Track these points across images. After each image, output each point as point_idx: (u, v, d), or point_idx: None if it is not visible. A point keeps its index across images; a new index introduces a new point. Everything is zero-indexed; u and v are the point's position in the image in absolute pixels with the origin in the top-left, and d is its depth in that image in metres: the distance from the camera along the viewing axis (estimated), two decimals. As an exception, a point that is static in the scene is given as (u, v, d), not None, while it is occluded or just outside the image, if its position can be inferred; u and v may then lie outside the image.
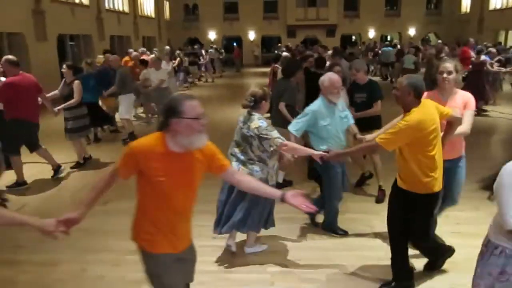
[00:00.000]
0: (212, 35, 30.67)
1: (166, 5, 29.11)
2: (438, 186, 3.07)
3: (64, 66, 6.73)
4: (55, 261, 3.97)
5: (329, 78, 4.09)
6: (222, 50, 24.90)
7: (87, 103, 7.41)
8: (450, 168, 3.57)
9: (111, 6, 19.40)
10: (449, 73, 3.43)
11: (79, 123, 6.67)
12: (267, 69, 20.71)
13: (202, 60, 18.79)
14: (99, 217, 4.91)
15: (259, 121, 3.62)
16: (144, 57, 11.41)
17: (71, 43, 16.06)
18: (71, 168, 6.73)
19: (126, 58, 11.66)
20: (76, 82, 6.49)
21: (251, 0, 29.56)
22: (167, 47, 16.78)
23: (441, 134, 3.22)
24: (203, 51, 19.80)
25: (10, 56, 5.74)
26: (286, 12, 29.76)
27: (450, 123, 3.24)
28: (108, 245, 4.25)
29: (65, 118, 6.66)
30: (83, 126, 6.75)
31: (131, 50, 13.52)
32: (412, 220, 3.17)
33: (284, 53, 10.60)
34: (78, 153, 6.85)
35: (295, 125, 4.12)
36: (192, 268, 2.54)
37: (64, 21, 14.68)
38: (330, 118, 4.05)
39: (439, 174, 3.06)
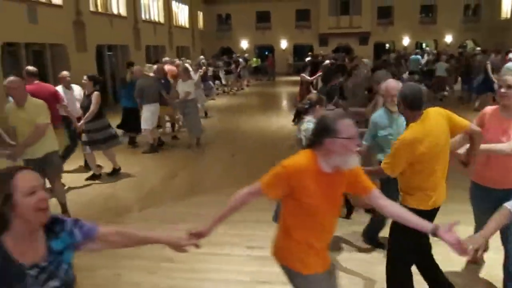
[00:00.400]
0: (244, 44, 30.97)
1: (200, 15, 29.66)
2: (431, 204, 2.85)
3: (85, 77, 6.60)
4: (90, 266, 4.03)
5: (385, 85, 3.92)
6: (259, 60, 25.14)
7: (129, 108, 7.55)
8: (504, 200, 3.21)
9: (147, 17, 19.94)
10: (509, 87, 2.98)
11: (105, 134, 6.59)
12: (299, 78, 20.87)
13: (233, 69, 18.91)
14: (134, 223, 5.00)
15: (308, 124, 3.75)
16: (167, 66, 10.95)
17: (108, 53, 16.59)
18: (108, 175, 6.88)
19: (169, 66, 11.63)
20: (95, 93, 6.36)
21: (283, 9, 29.69)
22: (202, 56, 17.03)
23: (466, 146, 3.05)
24: (240, 60, 19.97)
25: (29, 67, 6.10)
26: (318, 20, 29.68)
27: (471, 137, 2.96)
28: (142, 252, 4.26)
29: (85, 131, 6.46)
30: (108, 136, 6.64)
31: (171, 59, 13.35)
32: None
33: (327, 61, 10.69)
34: (112, 160, 6.89)
35: (364, 135, 4.11)
36: (336, 281, 2.47)
37: (103, 32, 15.20)
38: (391, 127, 3.84)
39: (436, 192, 2.86)
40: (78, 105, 6.72)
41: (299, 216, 2.18)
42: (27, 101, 4.57)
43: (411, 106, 2.76)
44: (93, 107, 6.32)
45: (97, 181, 6.61)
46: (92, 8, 14.79)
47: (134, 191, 6.22)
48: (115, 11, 16.68)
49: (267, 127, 10.88)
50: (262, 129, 10.79)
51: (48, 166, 4.81)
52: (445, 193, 2.97)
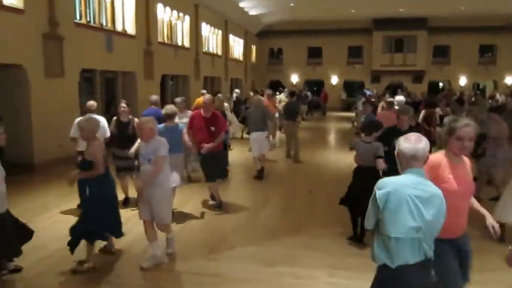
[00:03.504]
0: (294, 78, 31.08)
1: (253, 49, 30.19)
2: None
3: (124, 104, 6.60)
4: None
5: None
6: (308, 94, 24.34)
7: None
8: None
9: (207, 49, 20.39)
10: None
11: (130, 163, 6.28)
12: (350, 114, 20.53)
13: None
14: (227, 262, 4.71)
15: None
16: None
17: (170, 82, 16.97)
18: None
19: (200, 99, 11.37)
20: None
21: (336, 45, 29.72)
22: (237, 90, 17.08)
23: None
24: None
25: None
26: (371, 57, 29.45)
27: None
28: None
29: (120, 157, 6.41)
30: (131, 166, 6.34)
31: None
32: None
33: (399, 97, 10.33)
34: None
35: None
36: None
37: (168, 62, 15.59)
38: None
39: None
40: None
41: None
42: None
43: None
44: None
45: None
46: (160, 39, 15.25)
47: (220, 226, 5.95)
48: (179, 43, 17.13)
49: (336, 162, 10.54)
50: (331, 163, 10.44)
51: None
52: None
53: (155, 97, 7.98)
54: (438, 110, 9.46)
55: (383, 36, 29.01)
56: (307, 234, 5.61)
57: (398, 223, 2.38)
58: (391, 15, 26.68)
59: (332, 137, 16.63)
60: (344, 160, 10.43)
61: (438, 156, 2.87)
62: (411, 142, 2.48)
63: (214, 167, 6.42)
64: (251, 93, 15.58)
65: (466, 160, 2.95)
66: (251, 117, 8.90)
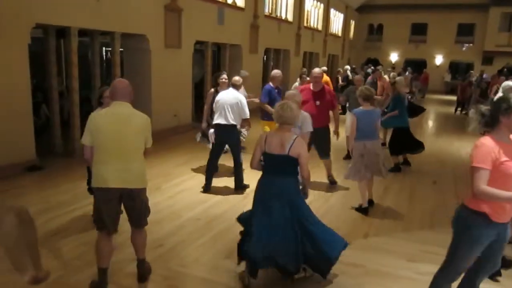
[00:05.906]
0: (393, 56, 29.31)
1: (352, 24, 28.88)
2: None
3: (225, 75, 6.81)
4: None
5: None
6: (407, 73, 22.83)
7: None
8: None
9: (308, 24, 19.82)
10: None
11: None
12: (453, 97, 18.80)
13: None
14: (363, 252, 4.44)
15: None
16: None
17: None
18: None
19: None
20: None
21: (444, 22, 27.31)
22: (347, 66, 16.42)
23: None
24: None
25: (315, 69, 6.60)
26: (484, 36, 26.61)
27: None
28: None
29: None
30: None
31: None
32: None
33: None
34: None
35: None
36: None
37: (271, 36, 15.39)
38: None
39: None
40: None
41: None
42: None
43: None
44: None
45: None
46: (266, 12, 15.04)
47: (347, 212, 5.68)
48: (283, 16, 16.80)
49: (454, 151, 9.68)
50: (450, 152, 9.61)
51: None
52: None
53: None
54: None
55: (502, 13, 25.97)
56: (444, 231, 5.12)
57: None
58: (515, -11, 23.71)
59: (441, 123, 15.39)
60: (465, 149, 9.53)
61: (489, 140, 2.78)
62: None
63: (327, 142, 6.40)
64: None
65: None
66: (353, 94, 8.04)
